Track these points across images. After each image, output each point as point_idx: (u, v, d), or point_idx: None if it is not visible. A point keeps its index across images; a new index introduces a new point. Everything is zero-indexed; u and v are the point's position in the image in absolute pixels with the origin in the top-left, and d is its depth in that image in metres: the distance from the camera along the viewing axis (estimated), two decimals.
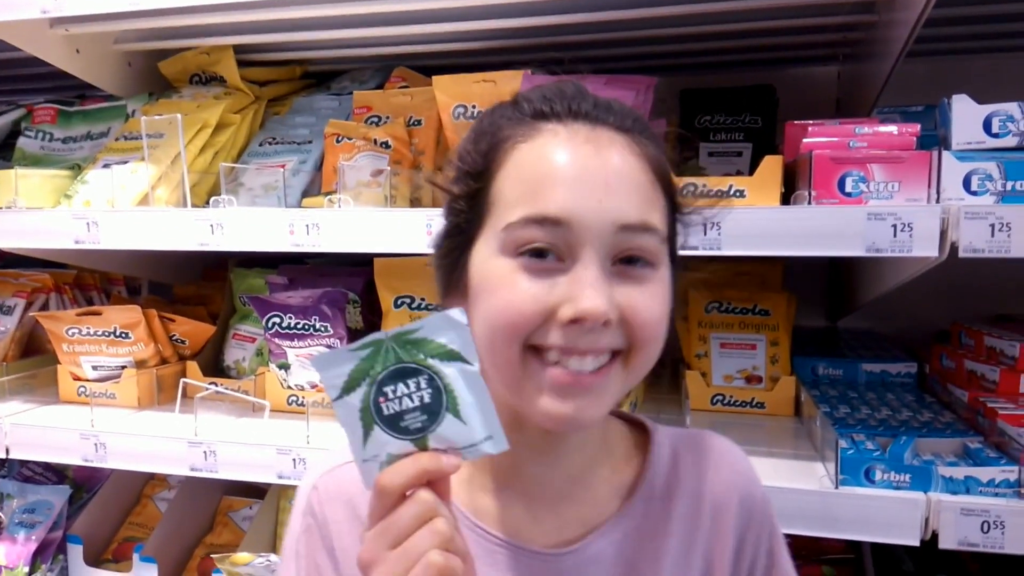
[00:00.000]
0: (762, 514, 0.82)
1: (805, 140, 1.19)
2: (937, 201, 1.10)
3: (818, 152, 1.13)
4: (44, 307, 1.90)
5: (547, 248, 0.65)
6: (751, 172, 1.22)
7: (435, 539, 0.58)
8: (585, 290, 0.63)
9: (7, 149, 1.89)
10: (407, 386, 0.61)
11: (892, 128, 1.17)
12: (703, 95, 1.71)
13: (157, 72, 1.87)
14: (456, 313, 0.61)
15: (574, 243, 0.65)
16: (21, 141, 1.79)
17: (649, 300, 0.67)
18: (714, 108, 1.69)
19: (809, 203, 1.13)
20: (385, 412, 0.61)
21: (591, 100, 0.71)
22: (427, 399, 0.61)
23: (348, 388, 0.61)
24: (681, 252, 1.13)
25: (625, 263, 0.67)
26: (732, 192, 1.21)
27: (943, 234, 1.07)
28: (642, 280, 0.67)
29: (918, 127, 1.16)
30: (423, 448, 0.62)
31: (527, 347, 0.66)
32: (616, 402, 0.71)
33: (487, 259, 0.69)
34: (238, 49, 1.78)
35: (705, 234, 1.12)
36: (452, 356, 0.61)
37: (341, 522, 0.76)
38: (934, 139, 1.34)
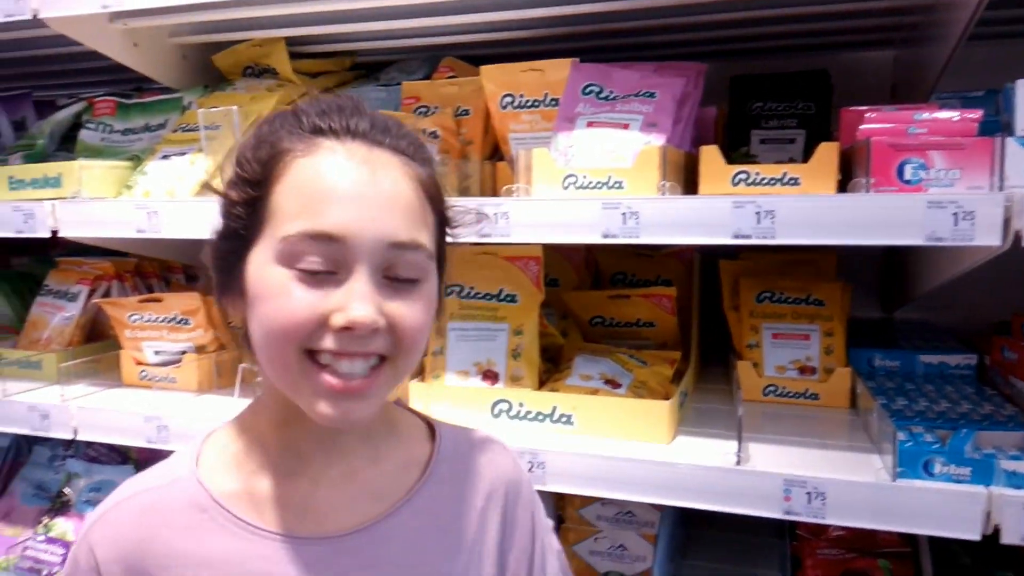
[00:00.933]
0: (527, 497, 0.91)
1: (862, 127, 1.17)
2: (1000, 189, 1.07)
3: (876, 139, 1.11)
4: (106, 294, 1.96)
5: (320, 268, 0.69)
6: (805, 159, 1.20)
7: None
8: (356, 301, 0.68)
9: (69, 142, 1.96)
10: None
11: (953, 114, 1.14)
12: (754, 81, 1.68)
13: (211, 65, 1.91)
14: None
15: (349, 258, 0.69)
16: (83, 134, 1.85)
17: (415, 311, 0.73)
18: (766, 94, 1.65)
19: (867, 191, 1.11)
20: None
21: (368, 119, 0.74)
22: None
23: None
24: (735, 241, 1.14)
25: (395, 280, 0.72)
26: (786, 180, 1.19)
27: (1007, 223, 1.04)
28: (409, 293, 0.72)
29: (980, 112, 1.13)
30: None
31: (302, 351, 0.70)
32: (384, 401, 0.78)
33: (263, 266, 0.71)
34: (289, 41, 1.81)
35: (759, 222, 1.11)
36: None
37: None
38: (996, 125, 1.30)
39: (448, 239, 0.83)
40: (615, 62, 1.81)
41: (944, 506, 1.09)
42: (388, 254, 0.71)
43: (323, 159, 0.71)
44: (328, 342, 0.69)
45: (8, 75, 2.24)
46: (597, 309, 1.67)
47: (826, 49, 1.87)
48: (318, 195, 0.69)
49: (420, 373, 1.57)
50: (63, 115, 1.96)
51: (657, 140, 1.25)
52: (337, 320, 0.68)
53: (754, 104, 1.66)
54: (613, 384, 1.44)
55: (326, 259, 0.69)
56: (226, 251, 0.76)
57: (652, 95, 1.32)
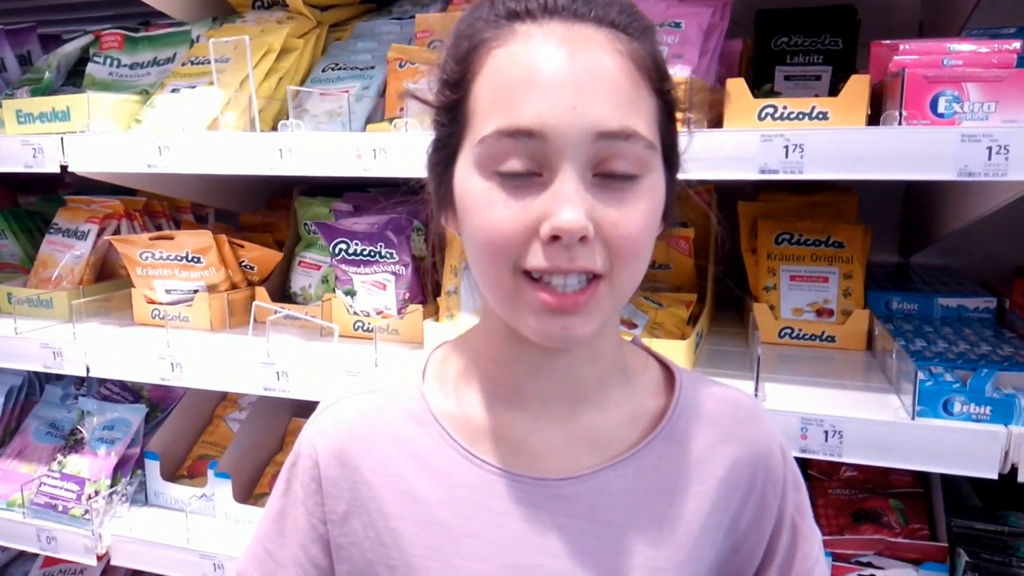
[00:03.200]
0: (786, 482, 0.78)
1: (896, 58, 1.13)
2: None
3: (911, 70, 1.08)
4: (116, 232, 1.95)
5: (521, 170, 0.62)
6: (831, 97, 1.17)
7: None
8: (561, 205, 0.60)
9: (76, 76, 1.92)
10: None
11: (990, 45, 1.10)
12: (780, 16, 1.63)
13: None
14: None
15: (551, 156, 0.61)
16: (90, 67, 1.81)
17: (632, 215, 0.63)
18: (792, 29, 1.61)
19: (899, 124, 1.08)
20: None
21: None
22: None
23: None
24: (762, 176, 1.11)
25: (608, 176, 0.62)
26: (815, 114, 1.16)
27: None
28: (626, 193, 0.63)
29: (1019, 44, 1.09)
30: None
31: (515, 269, 0.63)
32: (609, 318, 0.69)
33: (466, 176, 0.66)
34: None
35: (787, 156, 1.09)
36: None
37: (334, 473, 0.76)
38: None
39: (678, 126, 0.70)
40: None
41: (963, 445, 1.09)
42: (596, 147, 0.61)
43: (517, 47, 0.62)
44: (538, 258, 0.61)
45: (13, 8, 2.19)
46: None
47: None
48: (511, 88, 0.62)
49: (435, 312, 1.56)
50: (70, 48, 1.92)
51: (683, 72, 1.21)
52: (544, 229, 0.60)
53: (779, 39, 1.62)
54: (629, 325, 1.43)
55: (527, 159, 0.61)
56: (435, 162, 0.71)
57: (678, 25, 1.29)
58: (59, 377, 2.06)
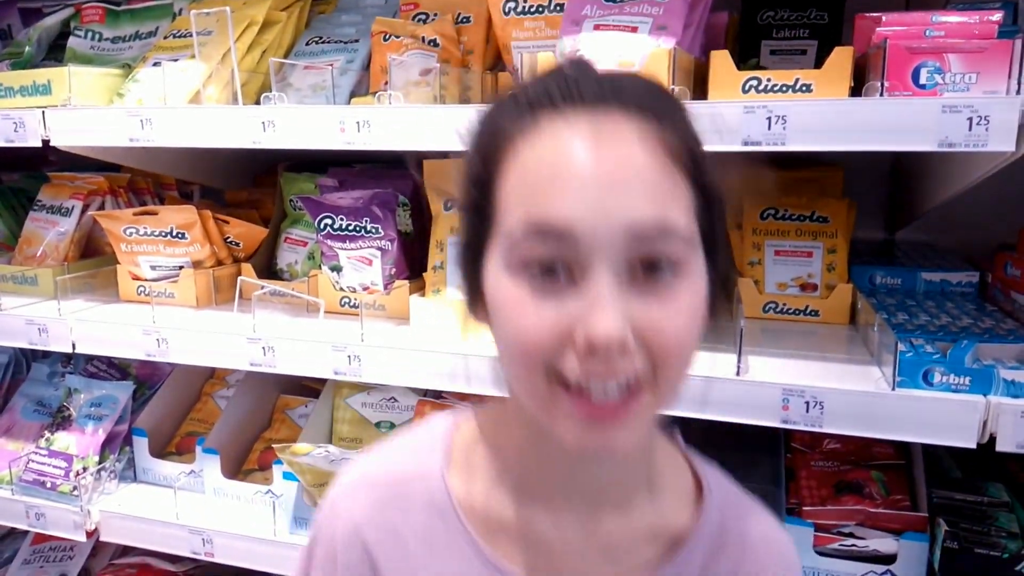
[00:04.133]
0: None
1: (879, 29, 1.13)
2: (1018, 93, 1.04)
3: (893, 41, 1.08)
4: (100, 209, 1.93)
5: (553, 263, 0.58)
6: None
7: None
8: (595, 311, 0.55)
9: (57, 50, 1.90)
10: None
11: (972, 16, 1.10)
12: None
13: None
14: None
15: (582, 255, 0.57)
16: (72, 41, 1.79)
17: (673, 315, 0.58)
18: (777, 3, 1.59)
19: (881, 95, 1.08)
20: None
21: (594, 78, 0.61)
22: None
23: None
24: (745, 147, 1.11)
25: (646, 272, 0.58)
26: (798, 86, 1.16)
27: (1021, 128, 1.02)
28: (665, 291, 0.58)
29: (1000, 14, 1.09)
30: None
31: (548, 372, 0.59)
32: (650, 423, 0.65)
33: (495, 275, 0.62)
34: None
35: (770, 128, 1.09)
36: None
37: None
38: (1012, 33, 1.26)
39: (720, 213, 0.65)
40: None
41: (942, 414, 1.10)
42: (631, 246, 0.56)
43: (542, 143, 0.59)
44: (573, 367, 0.57)
45: None
46: None
47: None
48: (538, 188, 0.58)
49: (421, 288, 1.56)
50: (51, 21, 1.89)
51: (667, 44, 1.21)
52: (579, 337, 0.56)
53: (765, 13, 1.61)
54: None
55: (558, 257, 0.57)
56: (467, 261, 0.68)
57: None
58: (45, 355, 2.05)
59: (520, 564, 0.70)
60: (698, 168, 0.61)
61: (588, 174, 0.56)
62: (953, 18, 1.13)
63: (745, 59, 1.58)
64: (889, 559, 1.29)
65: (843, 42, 1.55)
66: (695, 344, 0.61)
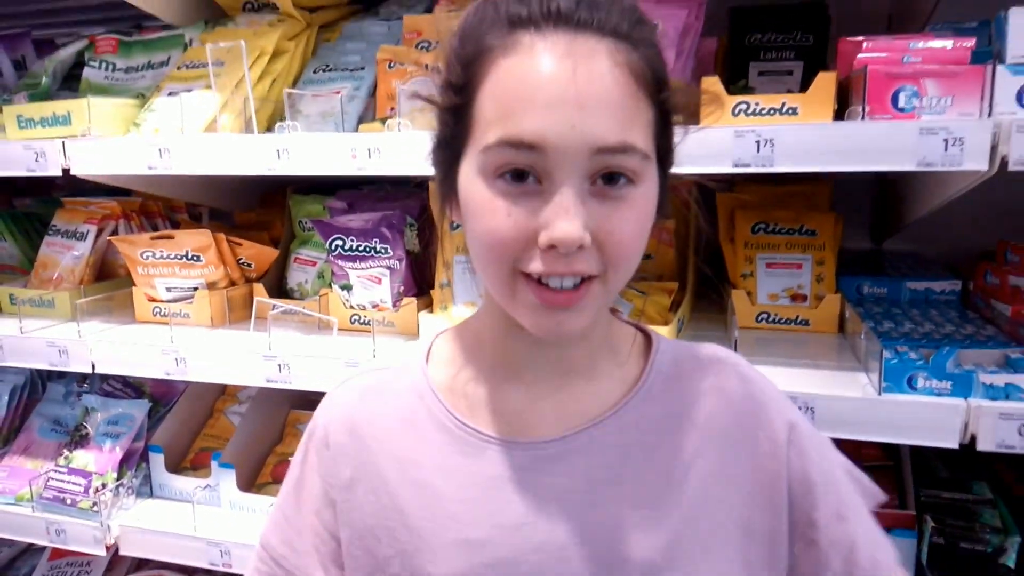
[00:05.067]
0: (769, 427, 0.78)
1: (860, 55, 1.21)
2: (989, 115, 1.12)
3: (873, 67, 1.15)
4: (114, 233, 1.99)
5: (525, 170, 0.65)
6: (802, 92, 1.24)
7: None
8: (559, 218, 0.64)
9: (71, 80, 1.96)
10: None
11: (947, 42, 1.18)
12: (753, 12, 1.69)
13: (211, 1, 1.91)
14: None
15: (550, 167, 0.65)
16: (86, 72, 1.85)
17: (625, 222, 0.67)
18: (764, 26, 1.67)
19: (862, 118, 1.16)
20: None
21: None
22: None
23: None
24: (735, 170, 1.18)
25: (606, 182, 0.66)
26: (785, 109, 1.23)
27: (994, 148, 1.08)
28: (621, 201, 0.67)
29: (973, 40, 1.17)
30: None
31: (513, 269, 0.68)
32: (600, 312, 0.75)
33: (470, 179, 0.69)
34: None
35: (758, 151, 1.16)
36: None
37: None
38: (987, 55, 1.33)
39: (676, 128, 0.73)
40: None
41: (926, 417, 1.17)
42: (594, 160, 0.65)
43: (520, 59, 0.65)
44: (536, 262, 0.66)
45: (6, 13, 2.22)
46: None
47: None
48: (515, 101, 0.65)
49: (429, 305, 1.63)
50: (65, 53, 1.96)
51: None
52: (542, 239, 0.65)
53: (753, 36, 1.68)
54: (614, 312, 1.50)
55: (529, 168, 0.65)
56: (440, 159, 0.75)
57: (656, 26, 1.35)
58: (61, 376, 2.11)
59: (495, 431, 0.77)
60: (659, 88, 0.69)
61: (561, 95, 0.63)
62: (930, 43, 1.20)
63: (734, 80, 1.65)
64: None
65: (828, 62, 1.63)
66: (643, 243, 0.70)
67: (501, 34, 0.66)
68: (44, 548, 2.08)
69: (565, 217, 0.64)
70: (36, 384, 2.12)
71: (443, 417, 0.79)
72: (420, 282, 1.67)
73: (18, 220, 2.17)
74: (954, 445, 1.17)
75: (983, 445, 1.15)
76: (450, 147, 0.72)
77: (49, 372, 2.14)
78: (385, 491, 0.79)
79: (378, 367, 0.89)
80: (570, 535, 0.73)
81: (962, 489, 1.45)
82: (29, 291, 1.89)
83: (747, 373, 0.82)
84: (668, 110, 0.71)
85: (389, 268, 1.61)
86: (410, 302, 1.61)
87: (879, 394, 1.19)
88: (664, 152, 0.72)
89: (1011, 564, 1.29)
